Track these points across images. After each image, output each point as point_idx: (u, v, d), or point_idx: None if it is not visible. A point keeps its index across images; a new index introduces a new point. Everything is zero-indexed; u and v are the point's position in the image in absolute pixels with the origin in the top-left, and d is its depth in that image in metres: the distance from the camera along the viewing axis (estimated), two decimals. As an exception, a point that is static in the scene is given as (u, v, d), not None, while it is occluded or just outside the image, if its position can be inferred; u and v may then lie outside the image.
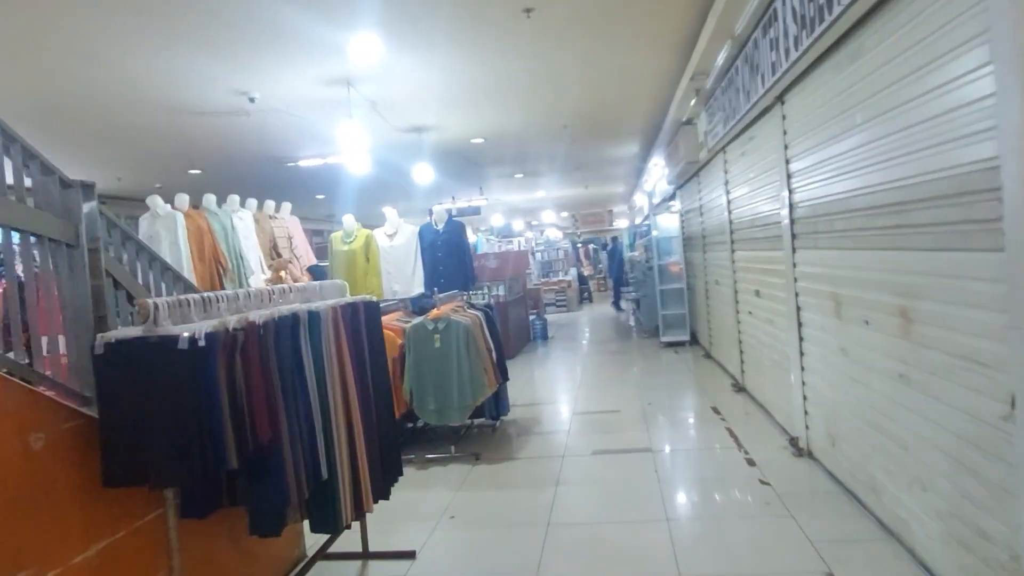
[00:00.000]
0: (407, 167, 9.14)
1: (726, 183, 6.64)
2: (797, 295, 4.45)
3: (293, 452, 2.42)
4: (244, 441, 2.24)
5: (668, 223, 10.39)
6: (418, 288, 6.07)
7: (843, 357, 3.67)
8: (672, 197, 11.48)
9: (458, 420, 4.96)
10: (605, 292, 24.29)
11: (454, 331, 4.94)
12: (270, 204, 7.01)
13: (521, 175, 13.47)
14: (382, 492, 3.14)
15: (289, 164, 9.36)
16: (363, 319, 3.11)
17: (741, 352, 6.56)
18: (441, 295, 5.51)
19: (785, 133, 4.47)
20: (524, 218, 25.57)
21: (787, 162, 4.46)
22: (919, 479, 2.83)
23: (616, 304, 17.27)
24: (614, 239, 23.74)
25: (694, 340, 9.90)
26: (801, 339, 4.44)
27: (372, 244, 6.19)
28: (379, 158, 9.43)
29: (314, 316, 2.67)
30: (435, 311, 5.04)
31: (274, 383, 2.38)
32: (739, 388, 6.60)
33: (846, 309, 3.59)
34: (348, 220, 6.34)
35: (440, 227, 6.56)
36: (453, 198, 11.47)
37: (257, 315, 2.42)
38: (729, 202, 6.60)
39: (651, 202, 16.03)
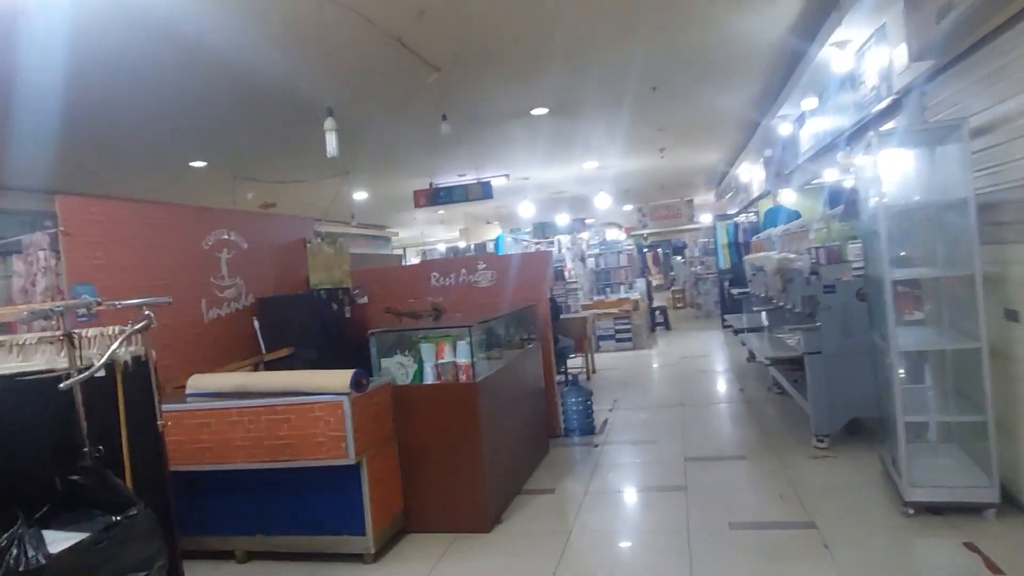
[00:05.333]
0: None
1: None
2: None
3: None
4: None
5: (900, 172, 3.89)
6: None
7: None
8: (893, 110, 4.87)
9: None
10: (683, 310, 17.54)
11: None
12: None
13: (545, 110, 7.15)
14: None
15: None
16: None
17: None
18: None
19: None
20: (572, 213, 19.05)
21: None
22: None
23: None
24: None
25: (1010, 503, 3.39)
26: None
27: None
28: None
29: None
30: None
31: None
32: None
33: None
34: None
35: None
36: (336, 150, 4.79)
37: None
38: None
39: (774, 167, 9.38)
